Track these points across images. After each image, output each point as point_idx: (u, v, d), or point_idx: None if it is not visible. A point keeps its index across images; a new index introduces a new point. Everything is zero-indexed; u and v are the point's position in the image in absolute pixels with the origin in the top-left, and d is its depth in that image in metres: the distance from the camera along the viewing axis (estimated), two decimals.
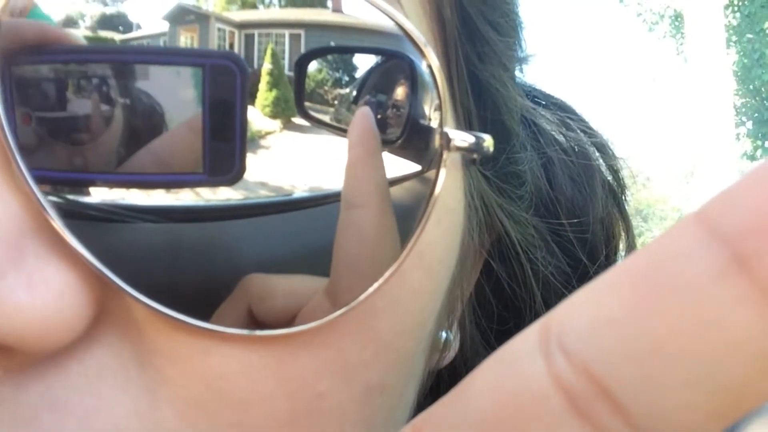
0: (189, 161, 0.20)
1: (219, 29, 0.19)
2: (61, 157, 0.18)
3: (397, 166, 0.22)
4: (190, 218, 0.20)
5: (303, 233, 0.21)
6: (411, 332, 0.25)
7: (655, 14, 13.65)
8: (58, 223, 0.17)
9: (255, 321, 0.20)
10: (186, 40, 0.19)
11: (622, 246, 0.43)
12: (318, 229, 0.20)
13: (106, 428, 0.18)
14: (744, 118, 12.70)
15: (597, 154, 0.42)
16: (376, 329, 0.22)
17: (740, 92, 12.22)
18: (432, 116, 0.22)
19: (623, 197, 0.44)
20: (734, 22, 11.59)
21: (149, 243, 0.19)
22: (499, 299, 0.37)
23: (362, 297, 0.20)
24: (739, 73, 11.88)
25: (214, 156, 0.20)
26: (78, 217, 0.17)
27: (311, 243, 0.20)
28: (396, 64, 0.21)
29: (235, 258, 0.20)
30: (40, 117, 0.17)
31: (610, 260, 0.42)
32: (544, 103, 0.43)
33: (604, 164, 0.43)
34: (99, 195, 0.18)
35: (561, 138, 0.41)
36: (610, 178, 0.43)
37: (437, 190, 0.22)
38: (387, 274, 0.21)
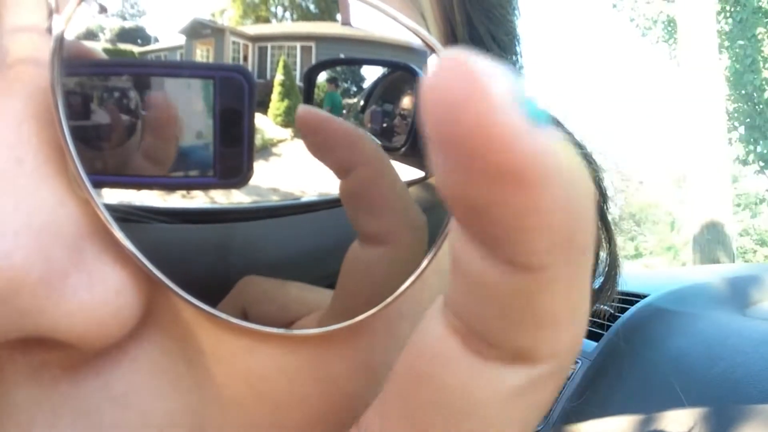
0: (202, 165, 0.20)
1: (234, 42, 0.20)
2: (108, 161, 0.19)
3: (404, 172, 0.23)
4: (224, 219, 0.21)
5: (323, 236, 0.21)
6: None
7: (648, 19, 13.73)
8: (113, 226, 0.18)
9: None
10: (202, 53, 0.19)
11: (603, 254, 0.45)
12: (330, 232, 0.21)
13: (164, 422, 0.19)
14: (736, 123, 12.78)
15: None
16: (400, 332, 0.23)
17: (732, 97, 12.30)
18: None
19: (605, 207, 0.45)
20: (726, 28, 11.67)
21: (194, 244, 0.20)
22: None
23: (390, 299, 0.21)
24: (731, 78, 11.96)
25: (224, 161, 0.21)
26: (128, 218, 0.18)
27: (328, 245, 0.21)
28: (404, 74, 0.22)
29: (274, 258, 0.21)
30: (91, 125, 0.18)
31: (593, 267, 0.43)
32: None
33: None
34: (143, 197, 0.19)
35: None
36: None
37: None
38: (412, 278, 0.22)
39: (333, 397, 0.21)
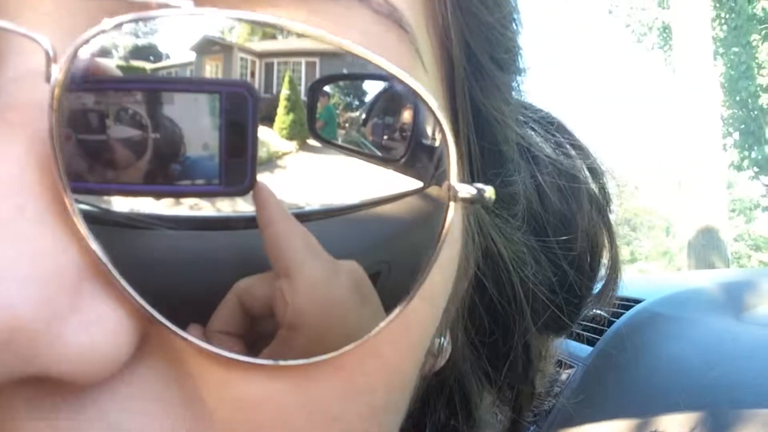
0: (207, 174, 0.21)
1: (241, 58, 0.20)
2: (102, 176, 0.19)
3: (398, 183, 0.24)
4: (220, 227, 0.21)
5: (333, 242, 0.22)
6: (414, 356, 0.27)
7: (644, 26, 13.79)
8: (110, 267, 0.18)
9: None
10: (211, 68, 0.20)
11: (606, 255, 0.45)
12: (331, 241, 0.22)
13: None
14: (731, 129, 12.84)
15: (584, 167, 0.44)
16: (384, 357, 0.24)
17: (727, 103, 12.35)
18: (437, 137, 0.23)
19: (608, 210, 0.45)
20: (721, 35, 11.73)
21: (184, 279, 0.20)
22: (488, 312, 0.38)
23: (374, 332, 0.22)
24: (726, 85, 12.01)
25: (229, 170, 0.21)
26: (117, 227, 0.19)
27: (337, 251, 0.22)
28: (402, 91, 0.23)
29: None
30: (85, 141, 0.19)
31: (594, 269, 0.44)
32: (534, 117, 0.44)
33: (590, 178, 0.44)
34: (134, 206, 0.20)
35: (549, 151, 0.42)
36: (596, 191, 0.44)
37: (443, 237, 0.23)
38: (398, 309, 0.23)
39: (318, 421, 0.22)
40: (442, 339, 0.34)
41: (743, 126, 12.63)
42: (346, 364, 0.22)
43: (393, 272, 0.23)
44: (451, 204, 0.23)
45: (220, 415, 0.21)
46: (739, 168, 13.52)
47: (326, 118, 0.22)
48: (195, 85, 0.20)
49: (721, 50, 11.74)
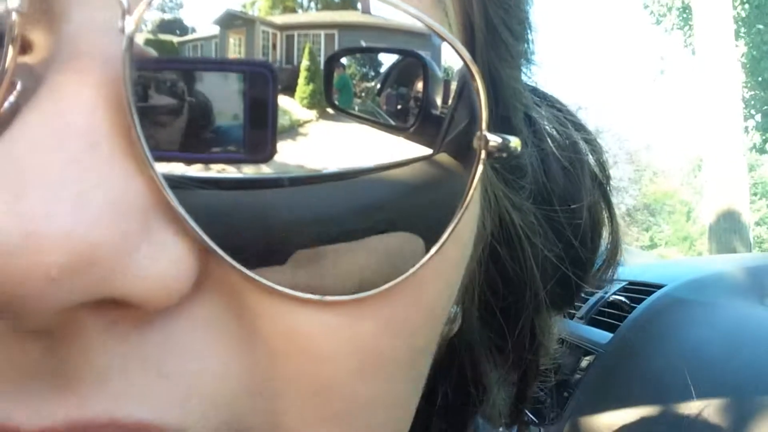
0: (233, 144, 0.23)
1: (263, 31, 0.22)
2: (169, 140, 0.21)
3: (407, 149, 0.25)
4: (263, 186, 0.23)
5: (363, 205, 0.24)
6: (447, 301, 0.29)
7: (663, 6, 13.56)
8: (174, 202, 0.20)
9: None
10: (234, 41, 0.21)
11: (605, 232, 0.47)
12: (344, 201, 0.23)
13: (219, 370, 0.22)
14: (752, 111, 12.62)
15: (586, 147, 0.46)
16: (424, 298, 0.26)
17: (749, 84, 12.13)
18: (445, 109, 0.24)
19: (608, 187, 0.47)
20: (743, 14, 11.49)
21: (243, 217, 0.22)
22: (502, 279, 0.40)
23: (414, 269, 0.24)
24: (747, 65, 11.79)
25: (252, 140, 0.23)
26: (184, 187, 0.20)
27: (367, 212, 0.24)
28: (418, 60, 0.24)
29: (311, 228, 0.23)
30: (153, 113, 0.21)
31: (595, 244, 0.45)
32: (539, 99, 0.46)
33: (591, 157, 0.46)
34: (198, 171, 0.21)
35: (554, 132, 0.44)
36: (596, 169, 0.46)
37: (475, 183, 0.25)
38: (433, 250, 0.24)
39: (366, 353, 0.24)
40: (456, 307, 0.36)
41: (765, 107, 12.40)
42: (388, 302, 0.24)
43: (430, 217, 0.25)
44: (483, 153, 0.25)
45: (273, 346, 0.23)
46: (761, 150, 13.31)
47: (341, 86, 0.23)
48: (224, 64, 0.22)
49: (743, 30, 11.51)
